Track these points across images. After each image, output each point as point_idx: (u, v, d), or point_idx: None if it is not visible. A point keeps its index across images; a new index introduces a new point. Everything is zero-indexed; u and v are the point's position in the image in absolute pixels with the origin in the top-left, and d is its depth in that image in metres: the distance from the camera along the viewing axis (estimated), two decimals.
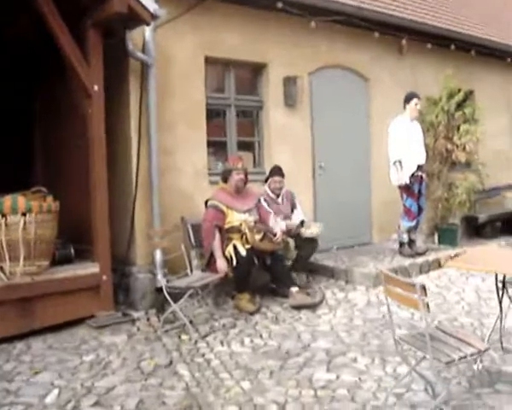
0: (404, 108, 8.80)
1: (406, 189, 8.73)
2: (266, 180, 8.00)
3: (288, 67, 8.80)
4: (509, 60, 12.64)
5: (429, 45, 10.66)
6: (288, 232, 7.57)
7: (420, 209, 8.95)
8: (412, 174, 8.67)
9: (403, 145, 8.60)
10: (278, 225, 7.36)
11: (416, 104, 8.74)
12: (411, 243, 9.02)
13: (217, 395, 4.62)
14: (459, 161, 10.54)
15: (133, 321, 6.65)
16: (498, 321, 5.43)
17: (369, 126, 10.06)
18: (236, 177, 7.12)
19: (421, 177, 8.87)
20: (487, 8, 13.97)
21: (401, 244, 9.01)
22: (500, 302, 5.39)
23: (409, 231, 8.93)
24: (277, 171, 7.94)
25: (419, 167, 8.78)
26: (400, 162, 8.56)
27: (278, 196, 7.93)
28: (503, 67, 12.83)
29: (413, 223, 8.84)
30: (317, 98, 9.30)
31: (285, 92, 8.79)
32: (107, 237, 6.71)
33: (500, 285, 5.31)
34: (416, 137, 8.83)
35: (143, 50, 7.12)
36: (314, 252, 8.01)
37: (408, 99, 8.77)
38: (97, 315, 6.54)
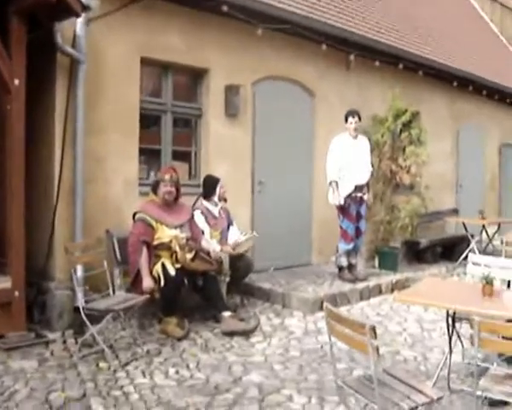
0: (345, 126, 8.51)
1: (342, 210, 8.40)
2: (205, 194, 7.45)
3: (231, 75, 8.32)
4: (455, 83, 12.52)
5: (377, 63, 10.38)
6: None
7: (358, 232, 8.59)
8: (349, 195, 8.32)
9: (340, 164, 8.28)
10: (211, 246, 6.88)
11: (350, 123, 8.42)
12: (351, 267, 8.65)
13: None
14: (403, 184, 10.30)
15: (47, 343, 6.01)
16: (444, 358, 5.13)
17: (312, 143, 9.69)
18: (164, 189, 6.59)
19: (361, 198, 8.49)
20: (434, 29, 13.87)
21: (340, 268, 8.63)
22: (449, 339, 5.05)
23: (348, 254, 8.55)
24: (218, 178, 7.50)
25: (357, 188, 8.41)
26: (336, 183, 8.26)
27: (223, 201, 7.50)
28: (448, 90, 12.71)
29: (350, 245, 8.47)
30: (260, 110, 8.85)
31: (226, 101, 8.30)
32: (21, 248, 6.05)
33: (450, 321, 4.97)
34: (357, 156, 8.44)
35: (73, 45, 6.53)
36: (250, 272, 7.57)
37: (345, 118, 8.49)
38: (7, 336, 5.88)
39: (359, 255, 8.86)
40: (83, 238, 6.59)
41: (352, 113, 8.46)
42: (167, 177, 6.59)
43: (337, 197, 8.27)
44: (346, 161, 8.32)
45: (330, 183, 8.31)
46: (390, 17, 12.02)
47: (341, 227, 8.46)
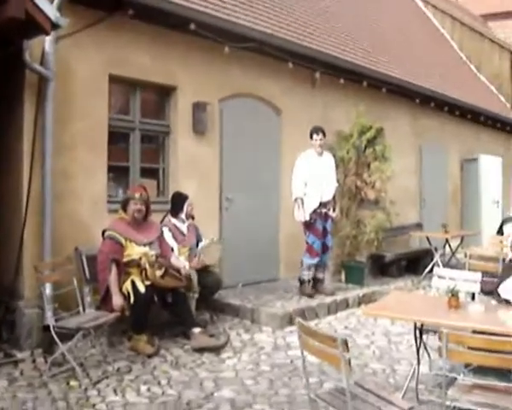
0: (310, 142, 8.58)
1: (307, 225, 8.45)
2: (173, 211, 7.46)
3: (199, 93, 8.38)
4: (417, 100, 12.76)
5: (342, 80, 10.53)
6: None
7: (325, 247, 8.65)
8: (314, 210, 8.39)
9: (306, 180, 8.37)
10: (181, 263, 6.90)
11: (315, 140, 8.48)
12: (318, 282, 8.70)
13: None
14: (368, 199, 10.44)
15: (16, 363, 5.94)
16: (412, 370, 5.24)
17: (279, 159, 9.77)
18: (133, 207, 6.57)
19: (326, 213, 8.55)
20: (396, 46, 14.14)
21: (301, 282, 8.62)
22: (417, 350, 5.15)
23: (312, 268, 8.57)
24: (186, 195, 7.51)
25: (322, 204, 8.47)
26: (302, 200, 8.33)
27: (190, 218, 7.50)
28: (411, 107, 12.97)
29: (314, 260, 8.49)
30: (227, 127, 8.91)
31: (194, 119, 8.34)
32: None
33: (418, 334, 5.07)
34: (322, 172, 8.51)
35: (42, 63, 6.50)
36: (219, 289, 7.60)
37: (310, 135, 8.56)
38: None
39: (326, 270, 8.94)
40: (51, 256, 6.51)
41: (316, 130, 8.54)
42: (137, 195, 6.58)
43: (302, 214, 8.33)
44: (312, 178, 8.40)
45: (296, 199, 8.37)
46: (354, 35, 12.23)
47: (307, 242, 8.50)
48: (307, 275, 8.57)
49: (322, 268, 8.74)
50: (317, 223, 8.44)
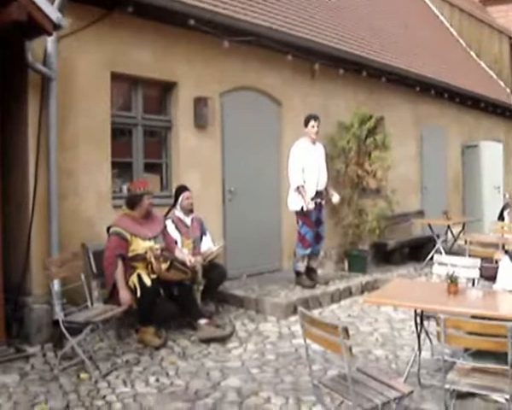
0: (305, 131, 8.57)
1: (302, 216, 8.44)
2: (175, 202, 7.57)
3: (199, 87, 8.47)
4: (417, 88, 12.82)
5: (341, 71, 10.60)
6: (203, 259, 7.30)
7: (319, 237, 8.69)
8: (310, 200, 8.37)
9: (302, 168, 8.35)
10: (185, 257, 7.00)
11: (312, 126, 8.46)
12: (311, 271, 8.73)
13: None
14: (369, 188, 10.54)
15: (27, 358, 6.06)
16: (413, 355, 5.36)
17: (280, 151, 9.84)
18: (147, 201, 6.71)
19: (320, 204, 8.58)
20: (395, 35, 14.19)
21: (297, 273, 8.65)
22: (418, 336, 5.27)
23: (306, 258, 8.58)
24: (185, 187, 7.60)
25: (318, 193, 8.50)
26: (303, 186, 8.32)
27: (190, 212, 7.57)
28: (411, 95, 13.03)
29: (307, 251, 8.49)
30: (228, 120, 9.01)
31: (195, 113, 8.43)
32: None
33: (418, 320, 5.18)
34: (316, 162, 8.50)
35: (44, 62, 6.58)
36: (223, 280, 7.70)
37: (305, 122, 8.54)
38: None
39: (328, 258, 9.01)
40: (58, 252, 6.63)
41: (314, 117, 8.51)
42: (150, 189, 6.76)
43: (307, 201, 8.26)
44: (308, 166, 8.40)
45: (298, 187, 8.34)
46: (352, 25, 12.30)
47: (300, 233, 8.49)
48: (302, 266, 8.59)
49: (315, 257, 8.76)
50: (311, 213, 8.42)
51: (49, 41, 6.55)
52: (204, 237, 7.66)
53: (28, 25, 5.83)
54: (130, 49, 7.63)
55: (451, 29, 20.00)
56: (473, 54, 19.72)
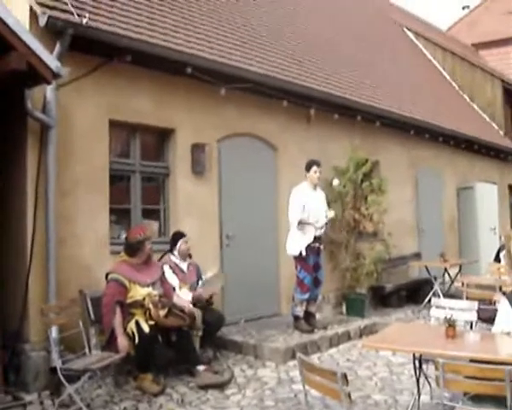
0: (306, 176, 8.62)
1: (300, 260, 8.42)
2: (171, 248, 7.60)
3: (197, 134, 8.57)
4: (412, 132, 12.96)
5: (336, 116, 10.73)
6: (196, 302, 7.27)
7: (318, 282, 8.68)
8: (308, 245, 8.38)
9: (303, 208, 8.35)
10: (184, 302, 7.02)
11: (315, 172, 8.52)
12: (310, 316, 8.70)
13: None
14: (366, 231, 10.57)
15: (24, 406, 6.01)
16: (412, 400, 5.35)
17: (277, 196, 9.90)
18: (148, 246, 6.78)
19: (319, 248, 8.60)
20: (389, 79, 14.39)
21: (296, 318, 8.61)
22: (417, 380, 5.26)
23: (305, 303, 8.54)
24: (182, 233, 7.63)
25: (316, 238, 8.51)
26: (303, 224, 8.33)
27: (188, 257, 7.60)
28: (406, 138, 13.16)
29: (305, 296, 8.46)
30: (225, 166, 9.09)
31: (193, 159, 8.51)
32: None
33: (417, 364, 5.18)
34: (316, 207, 8.54)
35: (44, 110, 6.68)
36: (221, 326, 7.68)
37: (308, 167, 8.60)
38: None
39: (326, 302, 9.00)
40: (56, 298, 6.62)
41: (316, 162, 8.58)
42: (150, 233, 6.79)
43: (297, 247, 8.30)
44: (307, 211, 8.42)
45: (299, 223, 8.32)
46: (347, 70, 12.47)
47: (298, 277, 8.47)
48: (300, 311, 8.56)
49: (313, 301, 8.73)
50: (309, 258, 8.43)
51: (49, 89, 6.64)
52: (200, 282, 7.65)
53: (27, 73, 5.92)
54: (128, 97, 7.73)
55: (444, 73, 20.30)
56: (466, 97, 19.98)
